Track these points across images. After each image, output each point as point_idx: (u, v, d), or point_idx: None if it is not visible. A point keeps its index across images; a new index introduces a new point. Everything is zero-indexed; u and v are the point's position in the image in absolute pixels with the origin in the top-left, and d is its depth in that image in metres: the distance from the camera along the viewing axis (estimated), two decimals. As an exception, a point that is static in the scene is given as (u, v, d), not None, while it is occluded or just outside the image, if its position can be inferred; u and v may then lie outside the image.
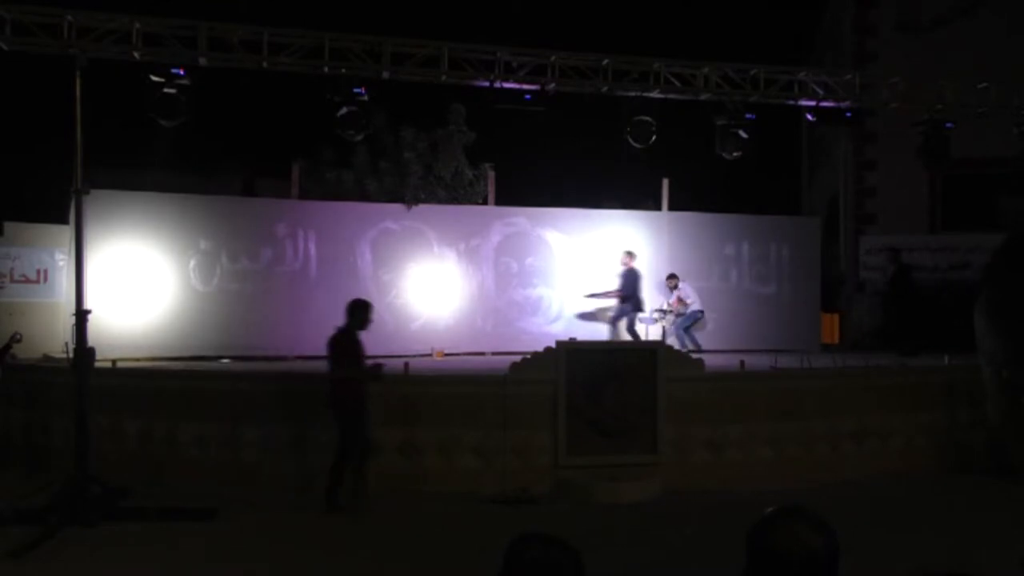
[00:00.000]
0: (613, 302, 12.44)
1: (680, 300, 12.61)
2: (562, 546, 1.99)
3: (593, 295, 12.51)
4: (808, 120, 11.85)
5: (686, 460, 8.47)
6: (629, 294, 12.07)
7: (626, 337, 11.99)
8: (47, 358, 10.04)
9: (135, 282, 11.08)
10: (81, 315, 7.05)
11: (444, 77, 10.12)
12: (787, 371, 9.63)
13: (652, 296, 12.89)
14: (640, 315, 12.25)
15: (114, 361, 9.22)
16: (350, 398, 7.38)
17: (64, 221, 10.77)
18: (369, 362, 7.54)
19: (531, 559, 1.95)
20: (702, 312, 12.74)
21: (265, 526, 6.98)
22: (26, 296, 11.10)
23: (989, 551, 5.94)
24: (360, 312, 7.64)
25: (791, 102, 11.25)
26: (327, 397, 7.44)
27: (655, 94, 10.67)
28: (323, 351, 7.26)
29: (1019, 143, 11.72)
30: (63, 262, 11.02)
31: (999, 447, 8.91)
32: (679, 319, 12.55)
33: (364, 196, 14.80)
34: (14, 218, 11.41)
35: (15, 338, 9.40)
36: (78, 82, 7.34)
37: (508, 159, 15.31)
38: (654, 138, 10.69)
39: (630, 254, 12.31)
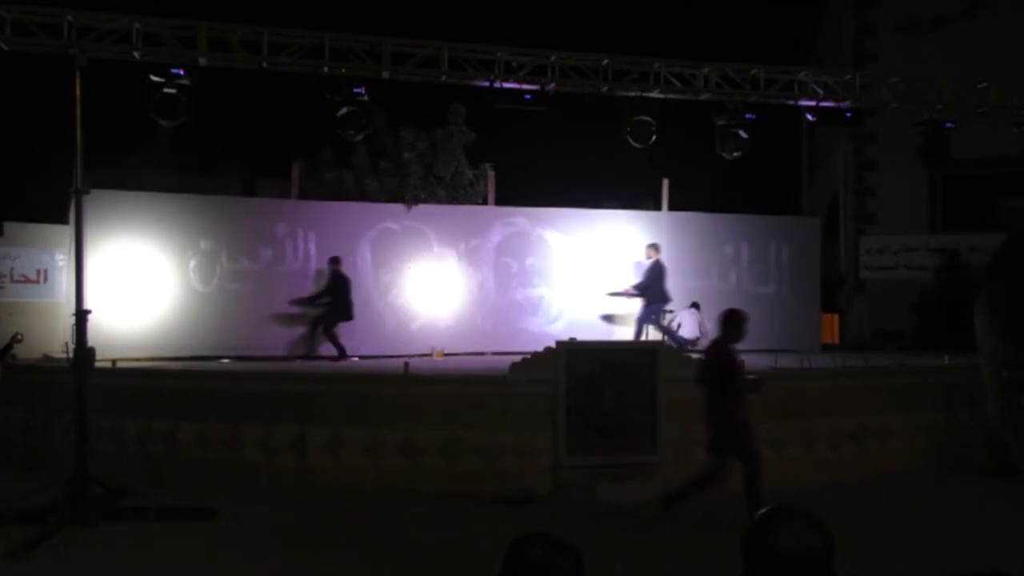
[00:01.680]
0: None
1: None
2: (562, 546, 1.99)
3: (299, 300, 11.47)
4: (808, 120, 11.85)
5: (686, 460, 8.45)
6: (337, 299, 11.35)
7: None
8: (47, 358, 10.04)
9: (135, 282, 11.08)
10: (81, 315, 7.04)
11: (444, 77, 10.13)
12: (787, 371, 9.62)
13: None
14: (345, 322, 11.48)
15: (114, 361, 9.22)
16: (739, 414, 6.80)
17: (64, 221, 10.77)
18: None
19: (532, 559, 1.95)
20: (687, 340, 12.29)
21: (265, 526, 6.98)
22: (26, 296, 11.10)
23: (990, 551, 5.94)
24: (736, 323, 7.10)
25: (791, 102, 11.26)
26: (710, 416, 6.90)
27: (655, 94, 10.68)
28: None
29: (1019, 143, 11.73)
30: (63, 262, 11.02)
31: (999, 447, 8.89)
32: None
33: (364, 196, 14.81)
34: (14, 218, 11.41)
35: (16, 338, 9.40)
36: (78, 82, 7.33)
37: (508, 159, 15.32)
38: (654, 138, 10.69)
39: (336, 260, 11.51)
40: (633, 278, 12.58)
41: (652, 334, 12.28)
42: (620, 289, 12.37)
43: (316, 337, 11.45)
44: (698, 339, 12.58)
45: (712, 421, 6.89)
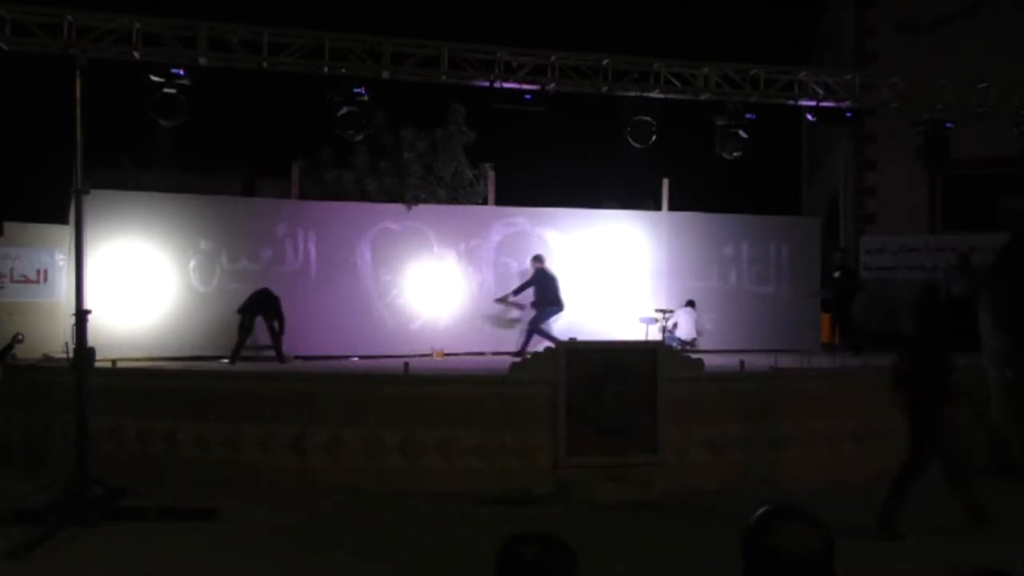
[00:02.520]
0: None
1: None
2: (557, 545, 1.98)
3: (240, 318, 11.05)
4: (808, 120, 11.85)
5: (686, 460, 8.47)
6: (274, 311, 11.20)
7: None
8: (47, 358, 10.04)
9: (135, 282, 11.08)
10: (81, 315, 7.04)
11: (444, 77, 10.13)
12: (787, 371, 9.62)
13: (650, 296, 12.89)
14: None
15: (114, 361, 9.21)
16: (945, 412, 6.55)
17: (64, 221, 10.77)
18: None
19: (526, 558, 1.94)
20: (680, 341, 12.35)
21: (265, 526, 6.98)
22: (26, 296, 11.10)
23: (989, 551, 5.94)
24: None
25: (791, 102, 11.26)
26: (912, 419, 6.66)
27: (655, 94, 10.68)
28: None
29: (1019, 143, 11.72)
30: (63, 262, 11.02)
31: (1000, 447, 8.90)
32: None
33: (364, 196, 14.82)
34: (14, 218, 11.41)
35: (17, 338, 9.40)
36: (78, 82, 7.33)
37: (508, 159, 15.33)
38: (654, 138, 10.69)
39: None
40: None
41: (653, 334, 12.29)
42: (503, 295, 12.39)
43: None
44: (695, 340, 12.59)
45: (914, 423, 6.68)
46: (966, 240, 14.02)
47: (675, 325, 12.59)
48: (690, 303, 12.78)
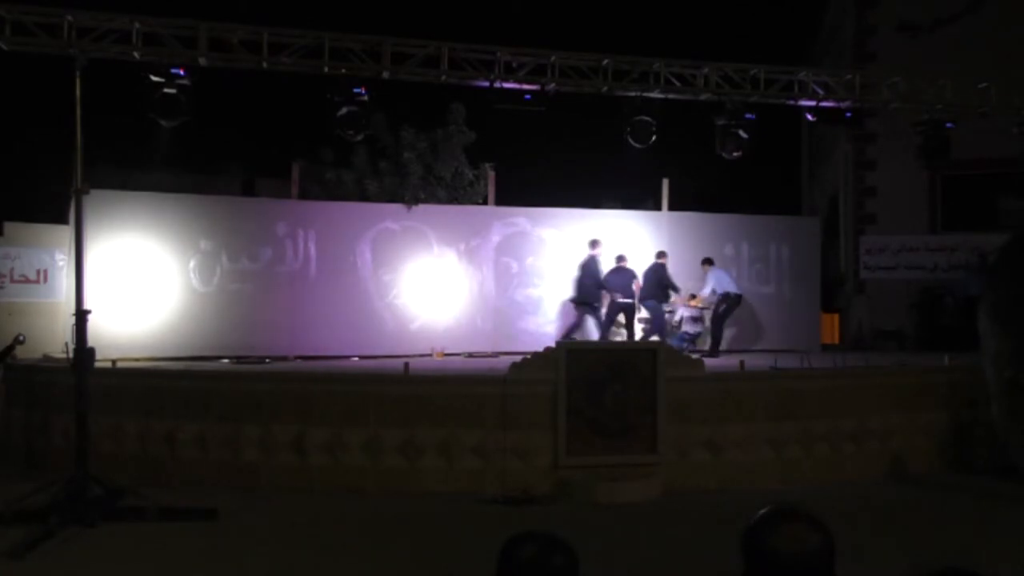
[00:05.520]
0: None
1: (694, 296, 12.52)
2: (557, 545, 1.98)
3: None
4: (808, 120, 11.86)
5: (686, 460, 8.47)
6: None
7: None
8: (47, 358, 10.03)
9: (135, 282, 11.07)
10: (81, 315, 7.04)
11: (444, 77, 10.13)
12: (787, 371, 9.62)
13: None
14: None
15: (114, 361, 9.21)
16: None
17: (64, 221, 10.77)
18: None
19: (526, 558, 1.94)
20: (736, 296, 12.18)
21: (265, 526, 6.98)
22: (26, 296, 11.10)
23: (989, 551, 5.94)
24: None
25: (791, 102, 11.26)
26: None
27: (655, 94, 10.68)
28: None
29: (1019, 143, 11.73)
30: (63, 262, 11.02)
31: (999, 447, 8.89)
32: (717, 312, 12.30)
33: (364, 196, 14.80)
34: (14, 218, 11.41)
35: (18, 339, 9.40)
36: (78, 82, 7.33)
37: (508, 159, 15.31)
38: (654, 138, 10.69)
39: None
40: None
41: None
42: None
43: None
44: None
45: None
46: (966, 240, 14.02)
47: (680, 321, 12.54)
48: (708, 260, 12.46)
